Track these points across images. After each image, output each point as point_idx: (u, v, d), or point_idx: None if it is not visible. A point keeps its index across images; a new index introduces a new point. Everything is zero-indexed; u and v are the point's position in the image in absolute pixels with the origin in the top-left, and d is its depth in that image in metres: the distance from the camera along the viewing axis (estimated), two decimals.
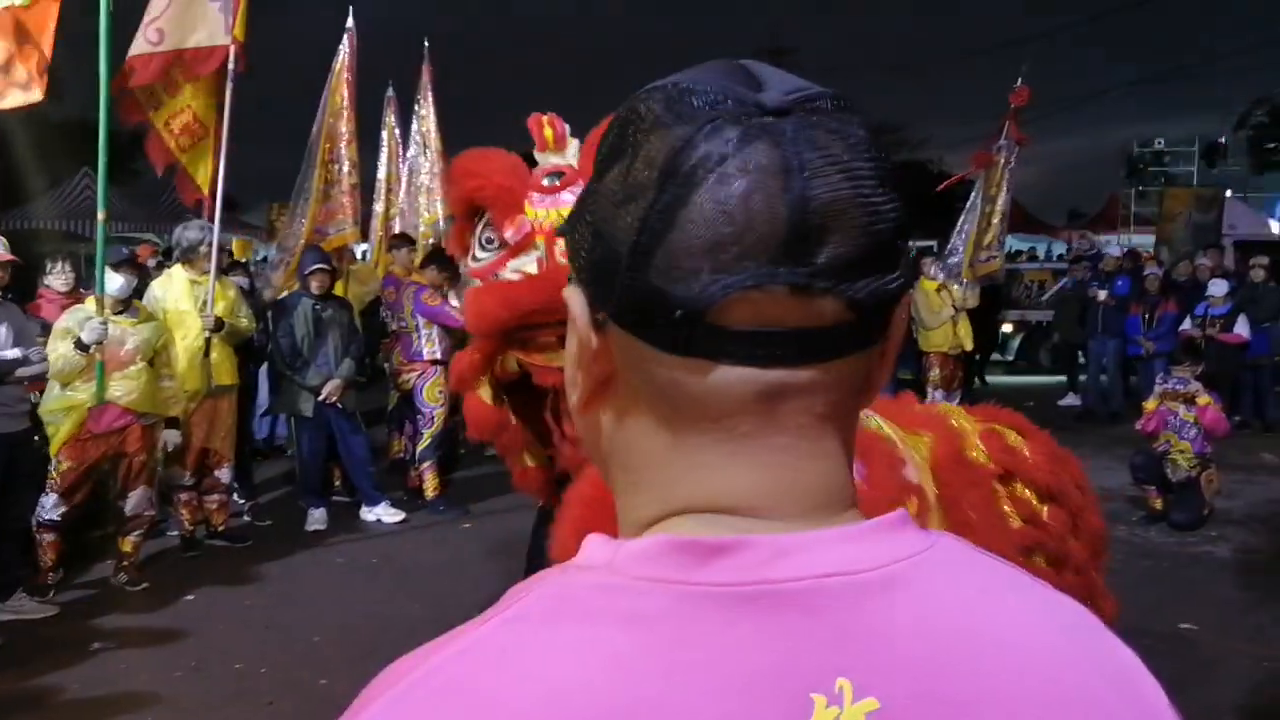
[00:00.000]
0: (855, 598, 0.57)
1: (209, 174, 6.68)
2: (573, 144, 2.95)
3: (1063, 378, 13.10)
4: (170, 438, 6.03)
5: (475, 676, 0.55)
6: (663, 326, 0.57)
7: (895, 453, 2.22)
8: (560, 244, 2.68)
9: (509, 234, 2.81)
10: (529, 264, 2.79)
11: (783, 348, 0.57)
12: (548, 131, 2.92)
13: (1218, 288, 10.62)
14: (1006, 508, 2.47)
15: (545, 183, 2.86)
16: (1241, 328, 10.24)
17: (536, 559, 3.62)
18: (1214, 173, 22.67)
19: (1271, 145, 22.85)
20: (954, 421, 2.59)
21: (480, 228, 2.94)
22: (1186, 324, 10.59)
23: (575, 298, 0.62)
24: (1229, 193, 17.59)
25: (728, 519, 0.59)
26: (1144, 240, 18.45)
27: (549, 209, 2.80)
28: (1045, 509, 2.55)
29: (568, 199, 2.78)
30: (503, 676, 0.55)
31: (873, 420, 2.25)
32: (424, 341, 7.45)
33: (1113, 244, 14.16)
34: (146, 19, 6.21)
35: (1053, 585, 0.67)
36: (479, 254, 2.92)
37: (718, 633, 0.55)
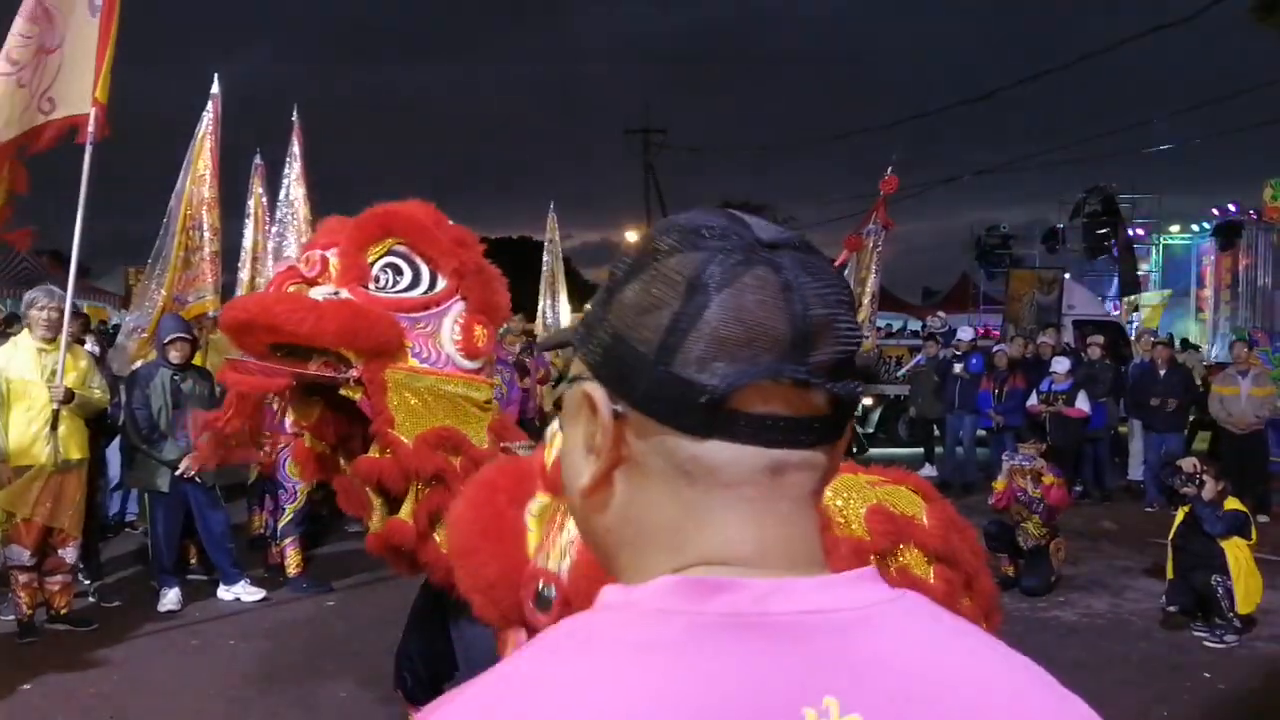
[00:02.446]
0: (836, 632, 0.67)
1: None
2: None
3: (919, 450, 13.59)
4: None
5: (512, 701, 0.63)
6: (687, 411, 0.68)
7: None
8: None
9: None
10: None
11: (785, 431, 0.69)
12: None
13: (1060, 365, 11.24)
14: None
15: None
16: (1082, 403, 10.84)
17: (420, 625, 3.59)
18: (1054, 256, 24.01)
19: (1103, 232, 24.39)
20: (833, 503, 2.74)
21: (381, 252, 2.98)
22: (1033, 399, 11.17)
23: (596, 392, 0.72)
24: (1067, 275, 18.69)
25: (729, 568, 0.69)
26: (993, 319, 19.45)
27: None
28: (932, 569, 2.66)
29: None
30: (539, 700, 0.62)
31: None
32: (287, 413, 7.24)
33: (964, 324, 14.86)
34: (39, 89, 6.06)
35: None
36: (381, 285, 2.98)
37: (724, 655, 0.64)
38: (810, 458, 0.71)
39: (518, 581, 2.29)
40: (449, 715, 0.65)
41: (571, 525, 2.28)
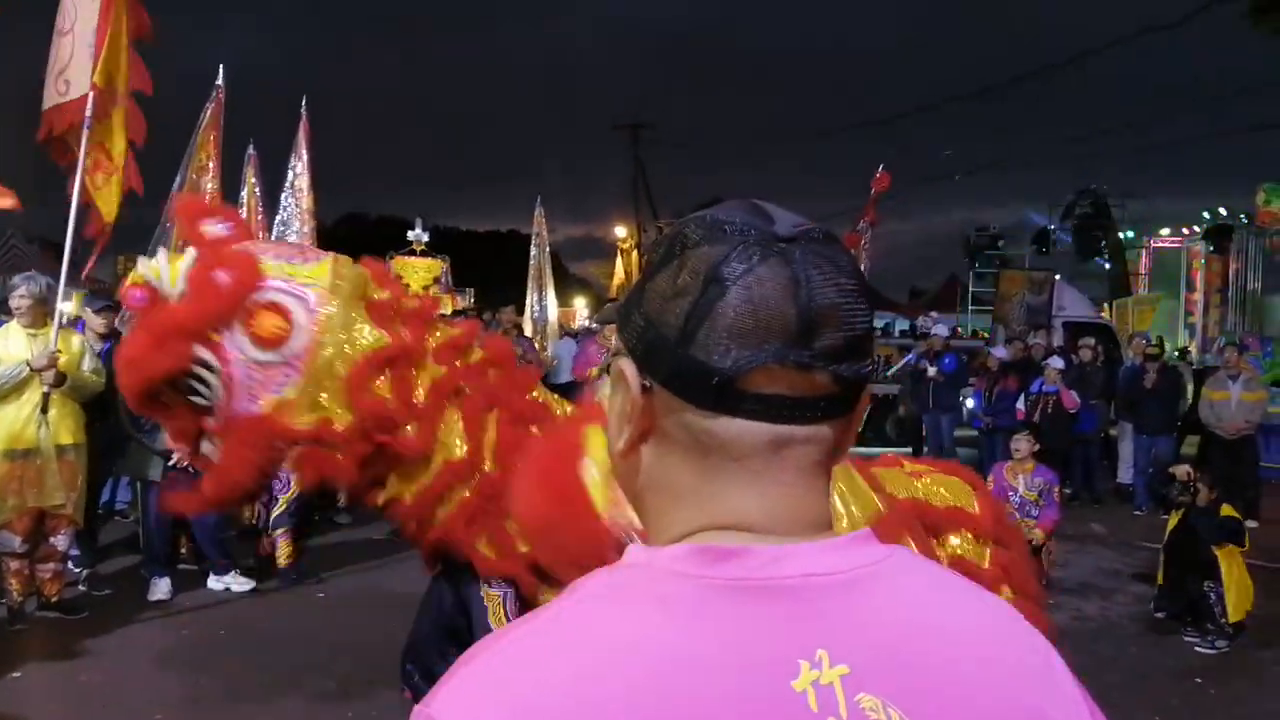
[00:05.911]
0: (832, 591, 0.76)
1: (114, 205, 6.44)
2: None
3: (909, 449, 13.61)
4: None
5: (558, 635, 0.74)
6: (702, 390, 0.76)
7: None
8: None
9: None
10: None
11: (789, 409, 0.77)
12: None
13: (1056, 363, 11.26)
14: None
15: None
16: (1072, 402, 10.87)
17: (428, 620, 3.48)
18: (1044, 256, 24.03)
19: (1095, 233, 24.47)
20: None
21: None
22: (1021, 403, 11.17)
23: (629, 369, 0.81)
24: (1058, 276, 18.68)
25: (738, 534, 0.78)
26: (982, 320, 19.46)
27: None
28: (988, 551, 2.67)
29: None
30: (581, 635, 0.73)
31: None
32: None
33: (938, 325, 14.79)
34: (54, 70, 6.11)
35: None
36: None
37: (727, 613, 0.73)
38: (815, 432, 0.78)
39: (597, 542, 2.28)
40: (510, 643, 0.74)
41: None
